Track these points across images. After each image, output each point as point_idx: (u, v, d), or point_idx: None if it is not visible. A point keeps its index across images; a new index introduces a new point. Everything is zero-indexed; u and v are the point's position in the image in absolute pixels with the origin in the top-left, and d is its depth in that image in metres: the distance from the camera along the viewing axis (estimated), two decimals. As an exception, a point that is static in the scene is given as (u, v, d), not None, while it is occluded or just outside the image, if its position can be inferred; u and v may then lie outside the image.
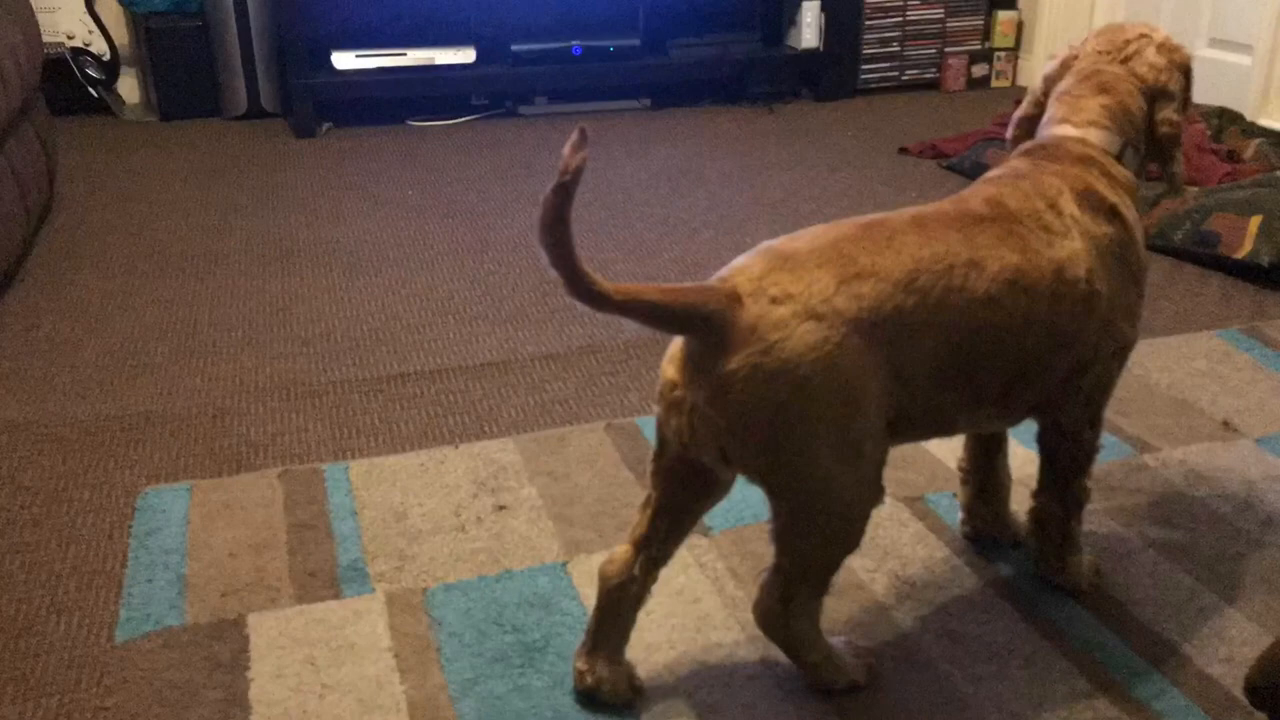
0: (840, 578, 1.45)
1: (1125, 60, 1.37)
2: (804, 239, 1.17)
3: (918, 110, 3.90)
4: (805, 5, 3.87)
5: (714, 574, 1.47)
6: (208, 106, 3.77)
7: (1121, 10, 3.79)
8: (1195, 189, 2.64)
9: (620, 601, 1.24)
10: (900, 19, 4.06)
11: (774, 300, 1.10)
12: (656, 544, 1.24)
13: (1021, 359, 1.23)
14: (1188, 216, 2.50)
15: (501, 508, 1.62)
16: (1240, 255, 2.38)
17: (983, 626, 1.38)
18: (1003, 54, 4.20)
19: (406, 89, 3.64)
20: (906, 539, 1.54)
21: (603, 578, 1.24)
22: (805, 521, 1.17)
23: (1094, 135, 1.33)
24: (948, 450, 1.74)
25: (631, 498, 1.63)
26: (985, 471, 1.48)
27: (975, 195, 1.27)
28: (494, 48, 3.74)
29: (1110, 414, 1.86)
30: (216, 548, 1.54)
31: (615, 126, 3.69)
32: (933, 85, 4.18)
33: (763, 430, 1.11)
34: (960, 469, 1.51)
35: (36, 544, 1.56)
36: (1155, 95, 1.37)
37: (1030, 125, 1.44)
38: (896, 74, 4.13)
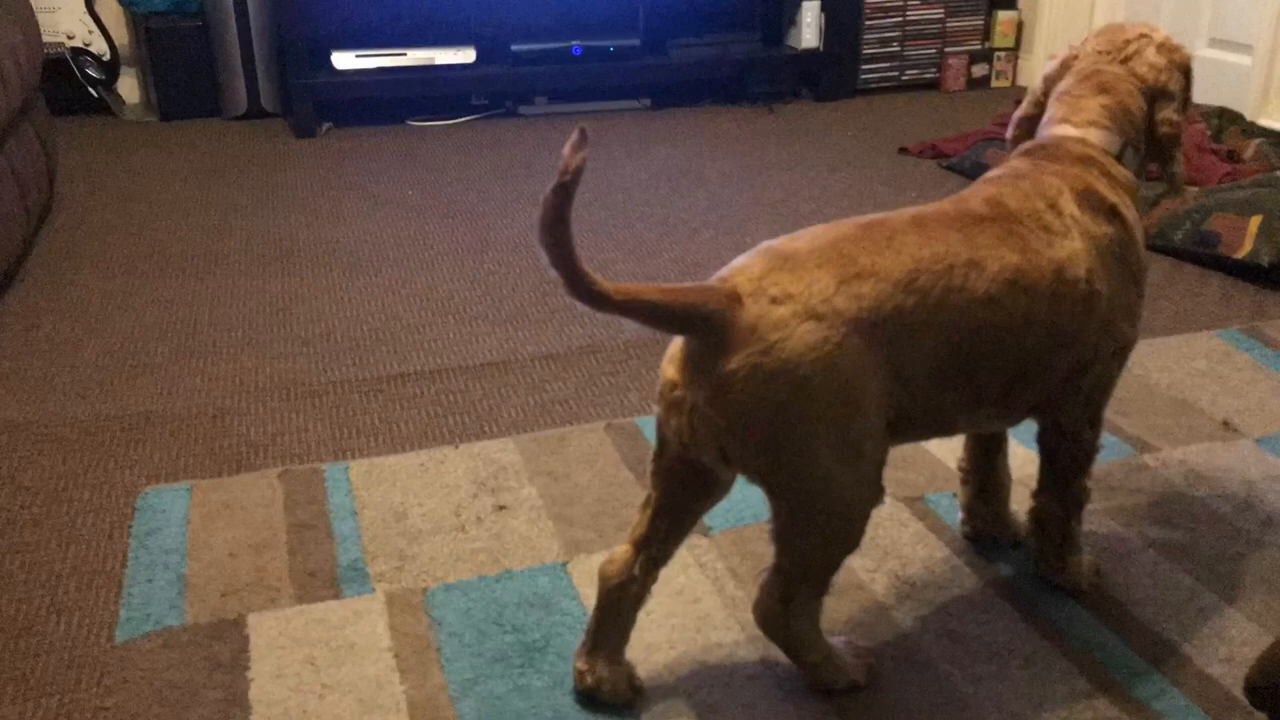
0: (840, 578, 1.45)
1: (1125, 60, 1.37)
2: (804, 239, 1.17)
3: (918, 110, 3.90)
4: (805, 5, 3.87)
5: (714, 574, 1.47)
6: (208, 106, 3.77)
7: (1121, 10, 3.79)
8: (1195, 189, 2.64)
9: (620, 601, 1.24)
10: (900, 19, 4.06)
11: (774, 300, 1.10)
12: (657, 544, 1.24)
13: (1022, 359, 1.23)
14: (1188, 216, 2.50)
15: (501, 508, 1.62)
16: (1240, 255, 2.38)
17: (982, 626, 1.38)
18: (1003, 54, 4.20)
19: (406, 89, 3.64)
20: (906, 539, 1.54)
21: (603, 578, 1.24)
22: (805, 521, 1.17)
23: (1094, 135, 1.33)
24: (947, 450, 1.74)
25: (631, 498, 1.63)
26: (985, 472, 1.48)
27: (975, 195, 1.27)
28: (494, 48, 3.74)
29: (1110, 414, 1.86)
30: (216, 548, 1.54)
31: (615, 126, 3.69)
32: (933, 85, 4.18)
33: (762, 430, 1.11)
34: (960, 469, 1.51)
35: (36, 544, 1.56)
36: (1155, 95, 1.37)
37: (1030, 125, 1.44)
38: (896, 74, 4.13)
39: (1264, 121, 3.20)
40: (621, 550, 1.24)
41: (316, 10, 3.70)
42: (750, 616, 1.31)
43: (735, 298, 1.10)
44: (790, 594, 1.20)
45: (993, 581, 1.46)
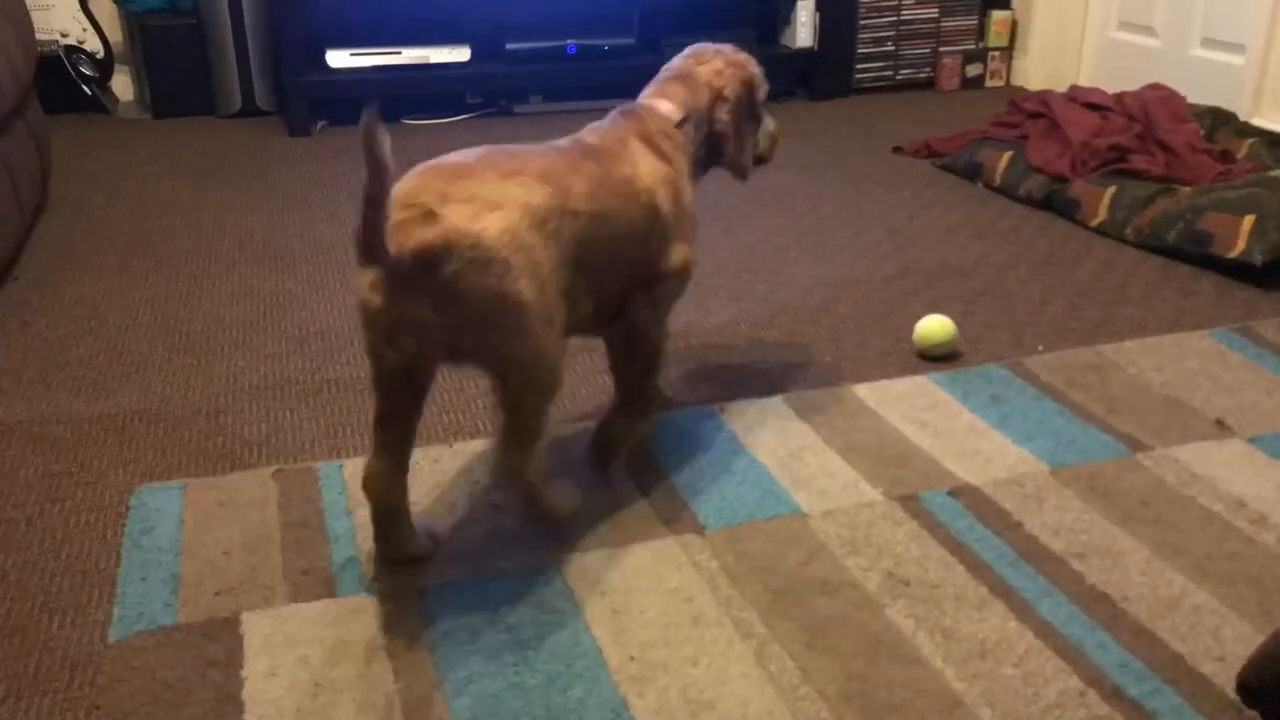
0: (833, 575, 1.46)
1: (701, 64, 1.73)
2: (458, 156, 1.41)
3: (912, 109, 3.90)
4: (800, 4, 3.87)
5: (707, 572, 1.47)
6: (202, 104, 3.76)
7: (1115, 9, 3.80)
8: (1188, 189, 2.65)
9: (392, 509, 1.45)
10: (895, 18, 4.06)
11: (462, 202, 1.31)
12: (399, 448, 1.44)
13: (616, 243, 1.51)
14: (1181, 216, 2.51)
15: (496, 507, 1.62)
16: (1233, 254, 2.38)
17: (976, 625, 1.38)
18: (997, 53, 4.20)
19: (401, 87, 3.64)
20: (900, 537, 1.54)
21: (374, 495, 1.44)
22: (531, 381, 1.40)
23: (663, 106, 1.68)
24: (942, 448, 1.75)
25: (624, 498, 1.64)
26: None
27: (570, 141, 1.58)
28: (489, 46, 3.74)
29: (1103, 412, 1.86)
30: (210, 546, 1.54)
31: (610, 125, 3.69)
32: (927, 84, 4.18)
33: (486, 318, 1.33)
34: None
35: (29, 543, 1.56)
36: (715, 96, 1.71)
37: None
38: (891, 73, 4.14)
39: (1256, 121, 3.20)
40: (375, 464, 1.43)
41: (311, 8, 3.69)
42: (744, 615, 1.32)
43: (430, 213, 1.29)
44: (524, 443, 1.43)
45: (986, 579, 1.46)
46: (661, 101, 1.69)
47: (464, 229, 1.29)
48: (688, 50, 1.78)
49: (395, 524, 1.47)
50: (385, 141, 1.20)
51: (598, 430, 1.70)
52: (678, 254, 1.62)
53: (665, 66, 1.78)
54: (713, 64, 1.73)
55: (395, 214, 1.28)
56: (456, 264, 1.28)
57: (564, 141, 1.58)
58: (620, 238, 1.53)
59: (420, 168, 1.38)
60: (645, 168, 1.58)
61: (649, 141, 1.61)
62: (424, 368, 1.40)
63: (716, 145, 1.74)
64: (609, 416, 1.70)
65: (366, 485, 1.44)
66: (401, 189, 1.33)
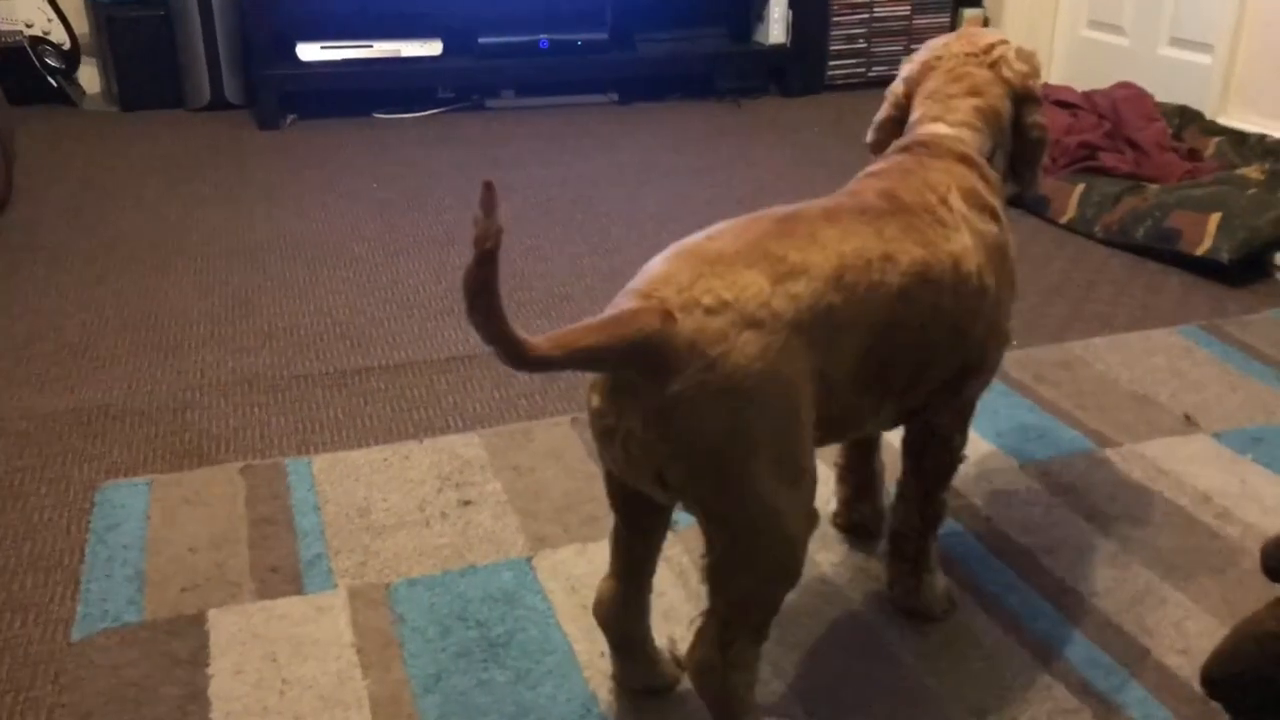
0: (805, 573, 1.46)
1: (992, 65, 1.34)
2: (723, 238, 1.11)
3: (884, 106, 3.91)
4: (773, 1, 3.87)
5: (679, 568, 1.47)
6: (170, 97, 3.72)
7: (1085, 8, 3.83)
8: (1156, 186, 2.67)
9: (627, 638, 1.23)
10: (867, 16, 4.07)
11: (709, 311, 1.02)
12: (636, 572, 1.20)
13: (925, 355, 1.20)
14: (1149, 213, 2.53)
15: (466, 502, 1.62)
16: (1200, 252, 2.40)
17: (945, 619, 1.38)
18: (968, 51, 4.22)
19: (372, 81, 3.61)
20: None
21: (602, 622, 1.22)
22: (747, 552, 1.08)
23: (968, 136, 1.30)
24: (911, 445, 1.75)
25: (597, 492, 1.63)
26: (863, 470, 1.52)
27: (867, 189, 1.23)
28: (461, 40, 3.72)
29: (1071, 408, 1.87)
30: (176, 543, 1.52)
31: (582, 120, 3.68)
32: (899, 82, 4.19)
33: (708, 453, 1.03)
34: (837, 466, 1.53)
35: (-8, 540, 1.54)
36: (1022, 99, 1.35)
37: (894, 129, 1.39)
38: (863, 70, 4.14)
39: (1223, 120, 3.23)
40: (606, 588, 1.21)
41: (281, 0, 3.67)
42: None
43: (667, 314, 1.01)
44: (729, 639, 1.10)
45: (955, 575, 1.47)
46: (961, 129, 1.30)
47: (700, 345, 1.01)
48: (954, 38, 1.38)
49: (631, 653, 1.24)
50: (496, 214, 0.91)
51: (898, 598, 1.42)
52: (999, 335, 1.29)
53: (919, 65, 1.37)
54: (1009, 59, 1.35)
55: (628, 300, 1.05)
56: (681, 384, 1.00)
57: (859, 202, 1.20)
58: (936, 341, 1.20)
59: (673, 249, 1.12)
60: (970, 239, 1.22)
61: (972, 195, 1.24)
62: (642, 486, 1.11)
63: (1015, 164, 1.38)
64: (892, 576, 1.41)
65: (596, 610, 1.22)
66: (647, 274, 1.08)
